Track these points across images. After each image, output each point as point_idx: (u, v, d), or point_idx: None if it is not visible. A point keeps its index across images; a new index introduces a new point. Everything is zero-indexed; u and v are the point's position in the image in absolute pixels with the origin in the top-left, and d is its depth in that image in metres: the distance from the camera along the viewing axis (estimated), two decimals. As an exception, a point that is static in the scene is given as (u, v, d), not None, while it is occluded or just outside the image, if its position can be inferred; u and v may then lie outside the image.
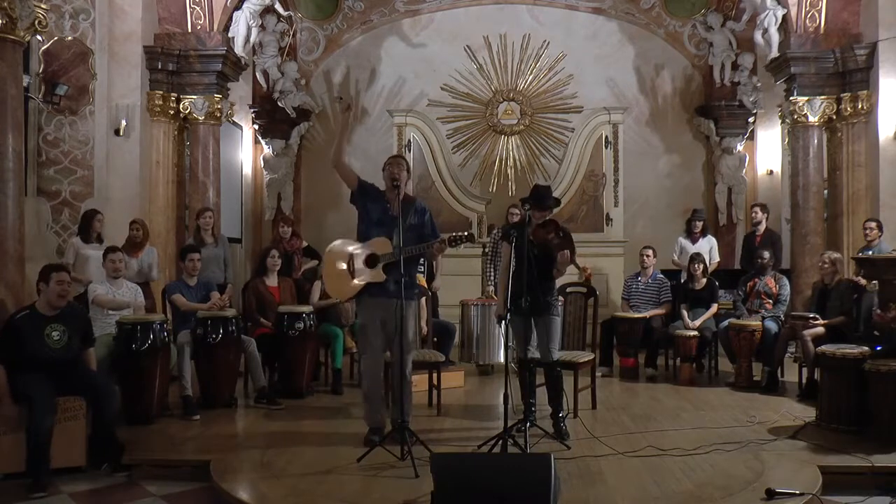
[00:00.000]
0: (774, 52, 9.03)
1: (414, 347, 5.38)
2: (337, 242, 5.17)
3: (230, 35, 8.97)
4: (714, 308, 7.43)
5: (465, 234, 4.91)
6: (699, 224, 8.55)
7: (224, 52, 8.76)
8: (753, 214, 8.38)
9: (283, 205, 10.98)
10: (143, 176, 8.37)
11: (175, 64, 8.65)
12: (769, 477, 4.31)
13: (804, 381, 6.51)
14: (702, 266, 7.55)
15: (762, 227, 8.28)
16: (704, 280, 7.53)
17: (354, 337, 7.14)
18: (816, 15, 8.67)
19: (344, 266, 5.04)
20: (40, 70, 7.76)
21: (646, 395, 6.74)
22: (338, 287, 5.15)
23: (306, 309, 6.61)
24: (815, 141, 8.89)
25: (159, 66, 8.55)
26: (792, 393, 6.61)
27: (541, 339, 5.21)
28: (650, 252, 7.75)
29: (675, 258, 8.50)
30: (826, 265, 6.75)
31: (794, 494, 4.05)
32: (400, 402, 4.89)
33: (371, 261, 4.96)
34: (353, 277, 5.01)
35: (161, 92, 8.61)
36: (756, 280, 7.31)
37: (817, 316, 6.52)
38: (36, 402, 4.50)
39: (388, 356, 5.25)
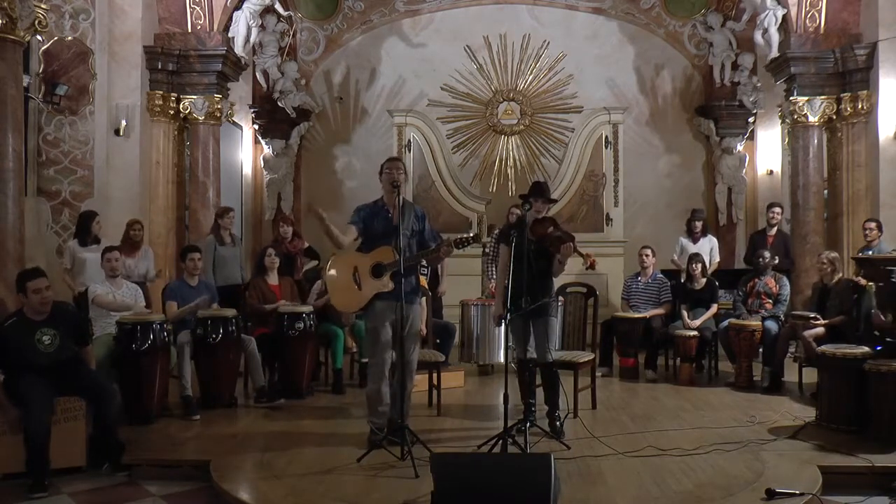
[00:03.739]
0: (774, 52, 9.04)
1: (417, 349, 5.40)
2: (337, 254, 5.15)
3: (230, 35, 8.97)
4: (714, 308, 7.43)
5: (471, 235, 4.90)
6: (699, 224, 8.54)
7: (224, 52, 8.76)
8: (772, 215, 8.18)
9: (283, 205, 10.98)
10: (143, 176, 8.37)
11: (175, 64, 8.65)
12: (769, 477, 4.31)
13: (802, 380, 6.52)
14: (700, 266, 7.55)
15: (776, 228, 8.23)
16: (704, 280, 7.53)
17: (355, 337, 7.17)
18: (816, 15, 8.67)
19: (349, 278, 5.00)
20: (40, 70, 7.76)
21: (646, 395, 6.74)
22: (345, 300, 5.13)
23: (306, 309, 6.60)
24: (815, 141, 8.90)
25: (159, 66, 8.56)
26: (792, 393, 6.61)
27: (538, 339, 5.21)
28: (649, 252, 7.74)
29: (675, 258, 8.49)
30: (824, 265, 6.75)
31: (794, 494, 4.05)
32: (400, 403, 4.89)
33: (376, 270, 4.95)
34: (359, 289, 4.99)
35: (161, 92, 8.62)
36: (756, 280, 7.31)
37: (818, 316, 6.52)
38: (32, 402, 4.49)
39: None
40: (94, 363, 5.09)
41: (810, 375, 6.51)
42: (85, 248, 6.84)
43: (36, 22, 5.92)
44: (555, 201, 5.52)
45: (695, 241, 8.43)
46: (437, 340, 7.03)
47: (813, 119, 8.80)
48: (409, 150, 10.17)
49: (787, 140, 9.93)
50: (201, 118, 8.86)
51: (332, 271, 5.11)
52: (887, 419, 5.06)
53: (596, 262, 5.11)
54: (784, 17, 8.90)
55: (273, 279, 6.89)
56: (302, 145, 11.26)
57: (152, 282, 7.06)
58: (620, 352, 7.49)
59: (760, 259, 7.33)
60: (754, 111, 10.63)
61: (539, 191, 5.32)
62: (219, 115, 8.95)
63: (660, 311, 7.56)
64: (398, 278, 4.87)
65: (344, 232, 4.99)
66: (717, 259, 8.57)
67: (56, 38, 7.80)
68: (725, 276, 8.27)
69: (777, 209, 8.28)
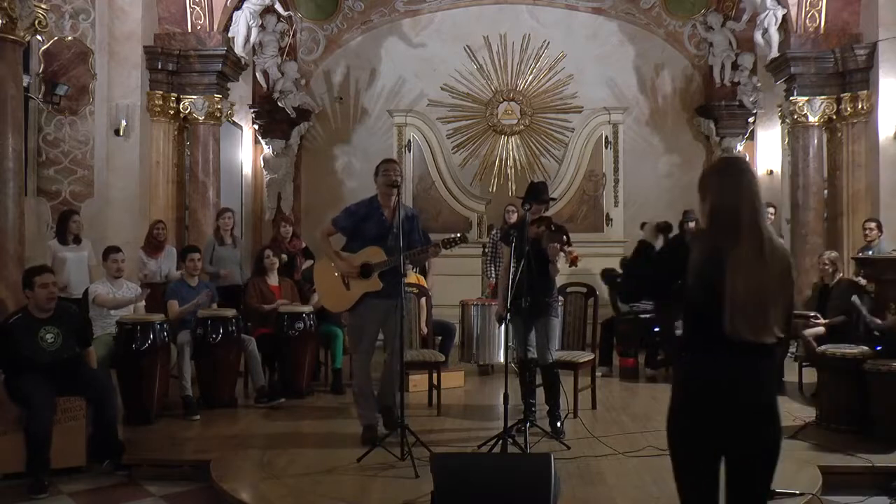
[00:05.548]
0: (774, 52, 9.03)
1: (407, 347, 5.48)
2: (325, 256, 5.22)
3: (230, 35, 8.96)
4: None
5: (458, 235, 4.97)
6: (692, 225, 8.46)
7: (224, 52, 8.75)
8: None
9: (283, 205, 10.97)
10: (143, 176, 8.36)
11: (175, 64, 8.64)
12: (769, 477, 4.31)
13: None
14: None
15: None
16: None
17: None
18: (816, 15, 8.66)
19: (337, 278, 5.07)
20: (40, 70, 7.75)
21: (646, 394, 6.74)
22: (333, 300, 5.23)
23: (306, 309, 6.60)
24: (815, 141, 8.89)
25: (159, 66, 8.55)
26: (792, 393, 6.60)
27: (539, 340, 5.22)
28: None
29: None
30: (826, 265, 6.74)
31: (794, 494, 4.05)
32: (401, 402, 4.89)
33: (365, 270, 4.98)
34: (347, 289, 5.05)
35: (161, 92, 8.60)
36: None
37: (818, 315, 6.51)
38: (34, 401, 4.50)
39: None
40: (95, 364, 5.10)
41: (810, 375, 6.50)
42: (65, 246, 6.80)
43: (36, 22, 5.91)
44: (547, 201, 5.46)
45: None
46: (440, 337, 7.03)
47: (813, 119, 8.80)
48: (409, 150, 10.17)
49: (787, 140, 9.92)
50: (201, 118, 8.85)
51: (321, 270, 5.22)
52: (887, 419, 5.06)
53: (578, 259, 5.10)
54: (784, 17, 8.90)
55: (273, 279, 6.89)
56: (302, 145, 11.25)
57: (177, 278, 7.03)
58: (620, 352, 7.49)
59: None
60: (754, 111, 10.63)
61: (533, 193, 5.29)
62: (219, 115, 8.94)
63: (660, 311, 7.56)
64: (389, 277, 4.91)
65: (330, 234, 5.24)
66: None
67: (56, 38, 7.79)
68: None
69: (771, 208, 8.17)
